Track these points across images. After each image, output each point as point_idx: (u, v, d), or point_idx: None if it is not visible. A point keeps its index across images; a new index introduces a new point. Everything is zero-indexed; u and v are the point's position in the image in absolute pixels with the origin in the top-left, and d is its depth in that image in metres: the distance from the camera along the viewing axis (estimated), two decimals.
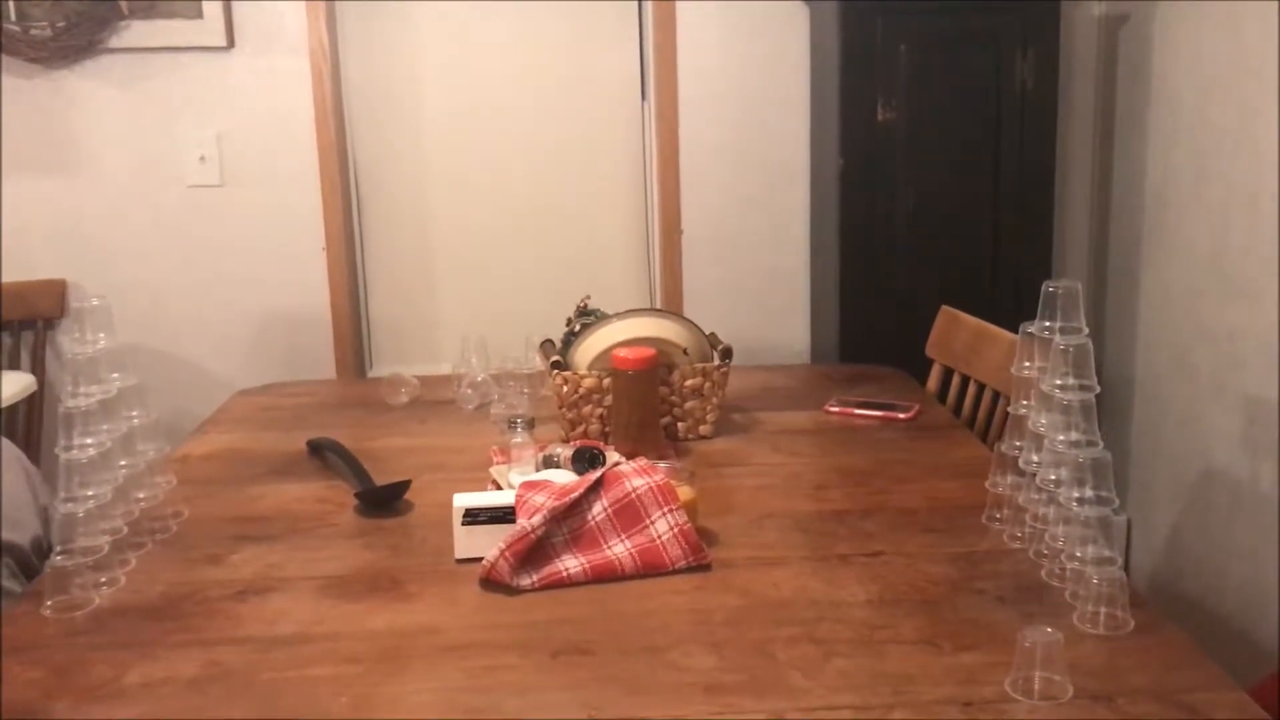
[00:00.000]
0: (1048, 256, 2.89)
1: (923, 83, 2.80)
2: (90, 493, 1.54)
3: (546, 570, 1.54)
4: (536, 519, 1.55)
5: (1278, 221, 2.41)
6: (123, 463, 1.65)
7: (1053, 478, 1.51)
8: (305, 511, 1.83)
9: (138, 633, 1.43)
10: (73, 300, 3.08)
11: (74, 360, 1.61)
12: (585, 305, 2.28)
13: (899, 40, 2.78)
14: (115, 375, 1.66)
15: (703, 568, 1.57)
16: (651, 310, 2.18)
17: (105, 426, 1.60)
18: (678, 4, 3.07)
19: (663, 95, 3.11)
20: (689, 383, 2.12)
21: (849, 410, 2.26)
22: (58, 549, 1.51)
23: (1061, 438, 1.48)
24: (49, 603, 1.49)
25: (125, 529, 1.63)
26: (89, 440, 1.57)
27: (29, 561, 1.70)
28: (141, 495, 1.72)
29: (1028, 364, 1.61)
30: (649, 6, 3.12)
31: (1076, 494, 1.44)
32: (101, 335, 1.65)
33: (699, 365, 2.13)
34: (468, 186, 3.26)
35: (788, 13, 3.08)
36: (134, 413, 1.70)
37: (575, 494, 1.61)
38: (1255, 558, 2.53)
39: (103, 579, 1.55)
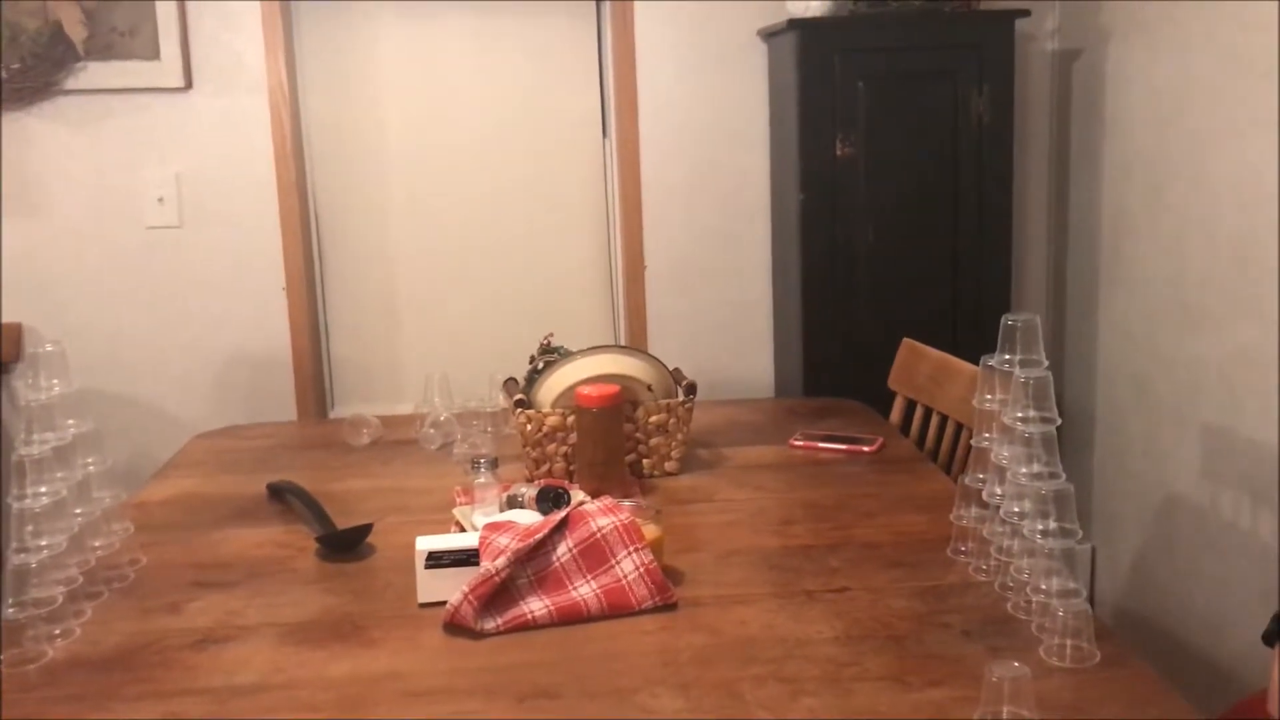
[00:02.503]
0: (1006, 288, 2.92)
1: (880, 118, 2.83)
2: (44, 542, 1.52)
3: (511, 613, 1.52)
4: (500, 561, 1.54)
5: (1233, 251, 2.45)
6: (78, 511, 1.63)
7: (1016, 510, 1.52)
8: (265, 557, 1.80)
9: (93, 685, 1.40)
10: (28, 345, 3.04)
11: (28, 407, 1.59)
12: (548, 343, 2.27)
13: (856, 77, 2.81)
14: (71, 422, 1.64)
15: (669, 607, 1.56)
16: (615, 347, 2.17)
17: (60, 474, 1.58)
18: (638, 42, 3.09)
19: (624, 132, 3.13)
20: (653, 419, 2.12)
21: (813, 444, 2.27)
22: (10, 601, 1.48)
23: (1024, 470, 1.49)
24: (0, 657, 1.45)
25: (81, 578, 1.60)
26: (43, 489, 1.54)
27: None
28: (98, 544, 1.70)
29: (989, 397, 1.62)
30: (609, 44, 3.14)
31: (1040, 526, 1.45)
32: (56, 381, 1.63)
33: (663, 401, 2.13)
34: (429, 225, 3.25)
35: (746, 50, 3.11)
36: (90, 459, 1.68)
37: (540, 535, 1.59)
38: (1219, 585, 2.55)
39: (57, 631, 1.51)
